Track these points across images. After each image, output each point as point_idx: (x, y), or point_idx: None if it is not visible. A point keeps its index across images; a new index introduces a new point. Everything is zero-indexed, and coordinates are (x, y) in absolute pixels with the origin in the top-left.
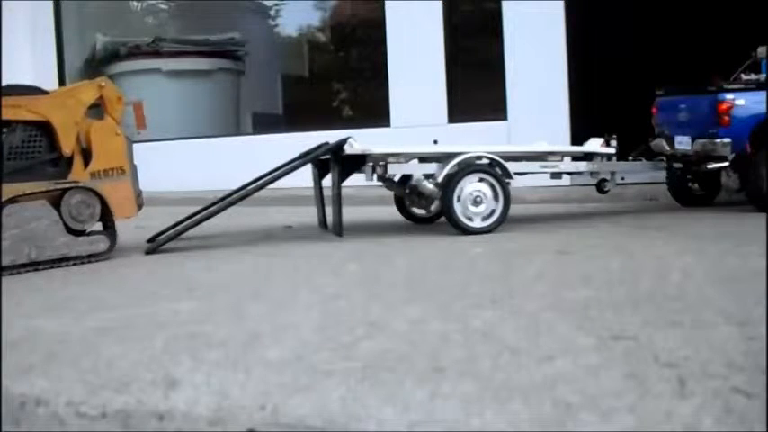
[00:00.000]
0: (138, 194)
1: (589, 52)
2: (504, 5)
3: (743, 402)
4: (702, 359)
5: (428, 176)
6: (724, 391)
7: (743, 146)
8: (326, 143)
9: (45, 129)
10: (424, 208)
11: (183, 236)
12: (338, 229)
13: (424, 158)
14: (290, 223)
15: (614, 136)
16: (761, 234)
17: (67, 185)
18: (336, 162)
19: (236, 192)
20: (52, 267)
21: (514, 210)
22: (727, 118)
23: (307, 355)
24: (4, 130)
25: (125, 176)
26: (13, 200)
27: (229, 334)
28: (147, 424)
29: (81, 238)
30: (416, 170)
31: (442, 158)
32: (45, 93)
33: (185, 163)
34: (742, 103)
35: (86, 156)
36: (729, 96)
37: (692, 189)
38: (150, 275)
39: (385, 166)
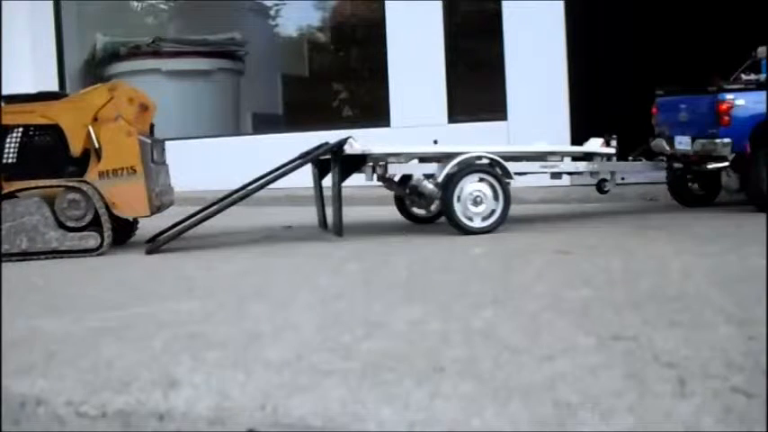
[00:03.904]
0: (158, 194)
1: (589, 52)
2: (504, 5)
3: (743, 402)
4: (702, 359)
5: (428, 176)
6: (724, 391)
7: (743, 146)
8: (326, 143)
9: (57, 131)
10: (424, 208)
11: (183, 236)
12: (338, 229)
13: (424, 158)
14: (289, 223)
15: (614, 136)
16: (761, 234)
17: (60, 184)
18: (336, 162)
19: (236, 192)
20: (46, 259)
21: (514, 210)
22: (727, 118)
23: (307, 355)
24: (16, 132)
25: (137, 176)
26: (10, 195)
27: (229, 334)
28: (147, 424)
29: (71, 234)
30: (416, 170)
31: (442, 158)
32: (66, 96)
33: (185, 163)
34: (742, 103)
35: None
36: (729, 96)
37: (692, 189)
38: (150, 275)
39: (385, 166)
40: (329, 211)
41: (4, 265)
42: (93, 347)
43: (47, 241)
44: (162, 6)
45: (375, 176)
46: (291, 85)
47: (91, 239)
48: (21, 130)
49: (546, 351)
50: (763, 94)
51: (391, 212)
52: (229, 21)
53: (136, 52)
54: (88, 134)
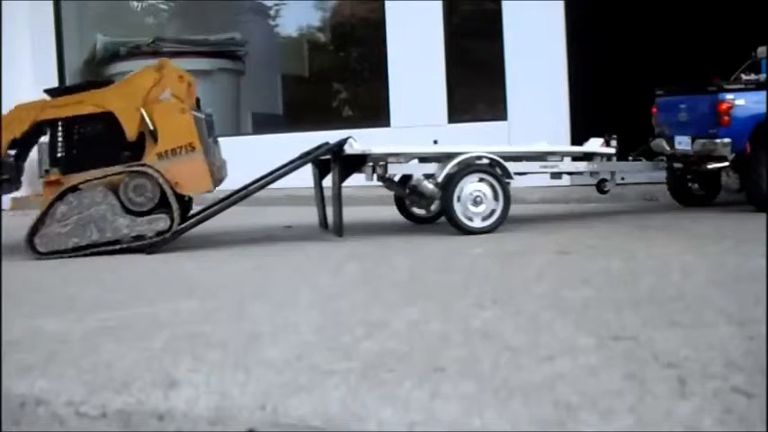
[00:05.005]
0: (217, 167)
1: (589, 52)
2: (504, 6)
3: (743, 402)
4: (702, 359)
5: (428, 176)
6: (724, 391)
7: (743, 146)
8: (326, 143)
9: (109, 119)
10: (424, 208)
11: (184, 236)
12: (338, 229)
13: (424, 158)
14: (289, 223)
15: (614, 136)
16: (761, 234)
17: (123, 170)
18: (336, 162)
19: (236, 192)
20: (121, 250)
21: (514, 210)
22: (727, 118)
23: (307, 355)
24: (66, 125)
25: (196, 152)
26: (73, 188)
27: (229, 334)
28: (147, 424)
29: (140, 219)
30: (416, 170)
31: (442, 158)
32: (110, 84)
33: None
34: (742, 103)
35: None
36: (729, 96)
37: (692, 189)
38: (150, 275)
39: (385, 166)
40: (330, 211)
41: (4, 265)
42: (93, 347)
43: (116, 229)
44: (162, 6)
45: (375, 176)
46: (291, 85)
47: (160, 221)
48: (71, 122)
49: (546, 351)
50: (763, 94)
51: (391, 212)
52: (229, 21)
53: (136, 52)
54: (142, 117)
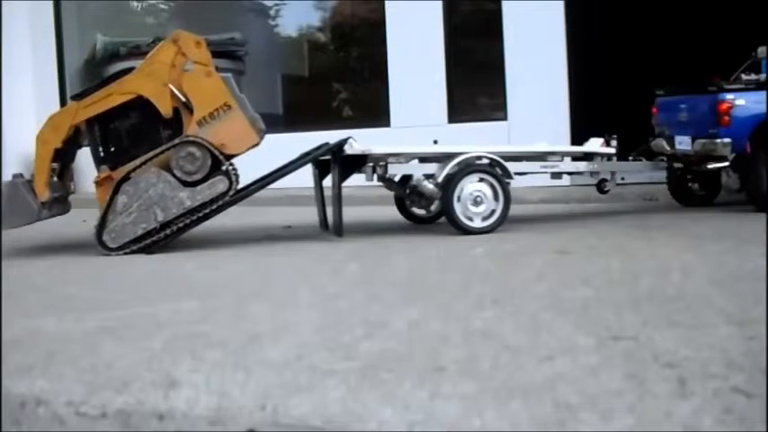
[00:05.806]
0: (255, 120)
1: (589, 52)
2: (504, 6)
3: (743, 402)
4: (702, 359)
5: (428, 176)
6: (724, 391)
7: (743, 146)
8: (327, 143)
9: (141, 104)
10: (424, 208)
11: (183, 236)
12: (338, 229)
13: (424, 158)
14: (289, 223)
15: (614, 136)
16: (761, 234)
17: (168, 146)
18: (337, 162)
19: (236, 192)
20: (191, 223)
21: (514, 210)
22: (727, 118)
23: (307, 355)
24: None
25: (233, 110)
26: (126, 178)
27: (229, 334)
28: (147, 424)
29: (199, 188)
30: (416, 170)
31: (442, 158)
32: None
33: None
34: (742, 103)
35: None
36: (729, 96)
37: (692, 189)
38: (150, 275)
39: (385, 167)
40: (330, 211)
41: (4, 264)
42: (93, 347)
43: (179, 203)
44: (162, 6)
45: (375, 176)
46: (291, 85)
47: (219, 184)
48: (107, 116)
49: (546, 351)
50: (763, 94)
51: (391, 212)
52: (229, 21)
53: (136, 52)
54: (172, 92)
